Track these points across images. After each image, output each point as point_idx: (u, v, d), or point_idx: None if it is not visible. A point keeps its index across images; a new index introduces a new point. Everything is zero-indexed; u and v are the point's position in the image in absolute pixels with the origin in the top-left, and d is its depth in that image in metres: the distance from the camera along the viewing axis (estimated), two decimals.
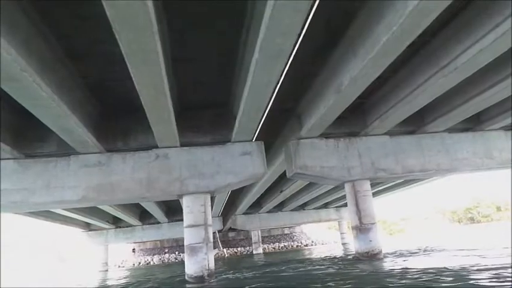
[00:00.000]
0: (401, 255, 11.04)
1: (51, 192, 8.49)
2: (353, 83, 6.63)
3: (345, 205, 29.91)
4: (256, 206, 26.81)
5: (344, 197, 25.85)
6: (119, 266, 33.86)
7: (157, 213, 22.21)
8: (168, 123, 7.58)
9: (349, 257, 12.90)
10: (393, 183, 19.34)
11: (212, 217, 27.03)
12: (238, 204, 24.95)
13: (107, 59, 6.88)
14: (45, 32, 5.77)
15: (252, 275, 9.88)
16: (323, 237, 42.01)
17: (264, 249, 34.99)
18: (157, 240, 38.28)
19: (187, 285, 8.48)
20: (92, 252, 36.63)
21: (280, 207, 27.72)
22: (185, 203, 9.17)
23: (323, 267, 9.89)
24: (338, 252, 22.14)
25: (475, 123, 10.85)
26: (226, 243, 38.60)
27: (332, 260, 12.57)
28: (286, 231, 42.27)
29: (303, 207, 28.68)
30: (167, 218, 25.72)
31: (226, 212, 28.28)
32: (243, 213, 28.29)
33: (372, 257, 9.41)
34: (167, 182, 8.99)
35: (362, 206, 9.72)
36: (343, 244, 30.16)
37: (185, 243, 9.02)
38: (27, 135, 8.69)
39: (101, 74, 7.49)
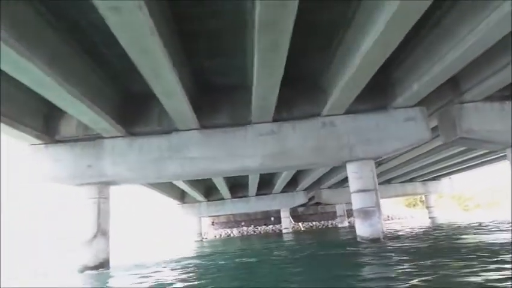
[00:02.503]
0: None
1: (233, 159, 9.13)
2: None
3: (433, 179, 29.08)
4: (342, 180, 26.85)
5: (434, 171, 25.08)
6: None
7: (253, 186, 23.02)
8: (358, 89, 7.77)
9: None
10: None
11: (297, 191, 27.55)
12: (326, 179, 25.14)
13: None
14: None
15: (419, 241, 10.04)
16: (398, 212, 41.39)
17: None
18: (230, 214, 39.79)
19: (363, 246, 8.82)
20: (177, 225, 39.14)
21: None
22: (352, 169, 9.44)
23: None
24: (426, 223, 21.87)
25: None
26: (297, 218, 39.34)
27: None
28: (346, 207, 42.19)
29: (388, 181, 28.32)
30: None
31: (308, 186, 28.63)
32: (327, 188, 28.50)
33: None
34: (335, 148, 9.28)
35: None
36: (430, 218, 29.53)
37: (356, 207, 9.34)
38: (203, 109, 9.29)
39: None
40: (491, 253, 6.18)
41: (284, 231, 29.54)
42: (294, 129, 9.36)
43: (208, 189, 26.66)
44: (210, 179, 20.05)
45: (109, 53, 7.06)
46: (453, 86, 9.68)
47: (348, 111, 9.47)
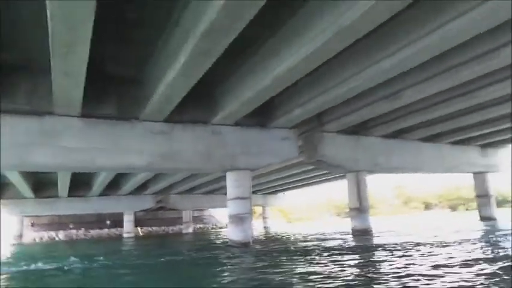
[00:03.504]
0: (381, 232, 13.84)
1: (117, 155, 8.45)
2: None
3: (271, 193, 32.74)
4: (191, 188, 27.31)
5: (274, 186, 28.43)
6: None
7: (100, 185, 21.08)
8: (255, 105, 8.53)
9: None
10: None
11: (145, 194, 26.72)
12: (177, 185, 25.16)
13: None
14: None
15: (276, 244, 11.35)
16: None
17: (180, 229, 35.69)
18: (55, 215, 35.14)
19: (236, 250, 9.48)
20: None
21: (215, 190, 28.84)
22: (233, 177, 10.06)
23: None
24: (259, 231, 24.89)
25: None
26: (136, 223, 37.77)
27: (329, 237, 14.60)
28: (196, 213, 43.42)
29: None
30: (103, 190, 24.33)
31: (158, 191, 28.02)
32: (176, 193, 28.48)
33: (366, 233, 11.86)
34: (222, 156, 9.74)
35: (363, 192, 12.06)
36: (264, 227, 33.04)
37: (231, 213, 9.95)
38: (88, 95, 8.35)
39: None
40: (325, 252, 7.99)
41: (125, 235, 27.90)
42: (184, 132, 9.39)
43: (38, 183, 22.82)
44: (42, 172, 17.45)
45: None
46: (317, 116, 11.59)
47: (236, 123, 10.12)
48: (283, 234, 19.58)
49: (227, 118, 9.53)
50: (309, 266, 6.45)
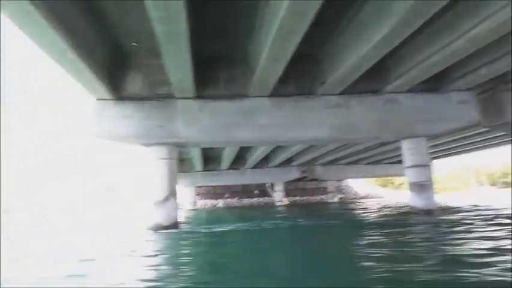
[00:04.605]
0: None
1: (302, 129, 9.32)
2: None
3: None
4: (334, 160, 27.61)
5: None
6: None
7: (257, 158, 23.23)
8: (442, 67, 8.17)
9: None
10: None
11: (290, 166, 28.05)
12: (321, 157, 25.69)
13: None
14: None
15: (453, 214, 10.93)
16: (376, 191, 43.64)
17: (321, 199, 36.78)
18: (211, 186, 40.17)
19: (421, 217, 9.46)
20: None
21: (358, 160, 28.69)
22: (409, 145, 9.95)
23: None
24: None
25: None
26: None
27: None
28: (336, 184, 43.89)
29: (376, 162, 29.67)
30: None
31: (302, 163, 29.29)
32: (320, 165, 29.35)
33: None
34: (398, 124, 9.71)
35: None
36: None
37: (411, 180, 9.90)
38: None
39: None
40: None
41: (278, 203, 30.48)
42: (359, 103, 9.65)
43: (206, 158, 26.57)
44: (211, 149, 20.08)
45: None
46: (500, 75, 10.30)
47: (409, 90, 9.87)
48: (446, 205, 18.28)
49: (402, 85, 9.37)
50: None
